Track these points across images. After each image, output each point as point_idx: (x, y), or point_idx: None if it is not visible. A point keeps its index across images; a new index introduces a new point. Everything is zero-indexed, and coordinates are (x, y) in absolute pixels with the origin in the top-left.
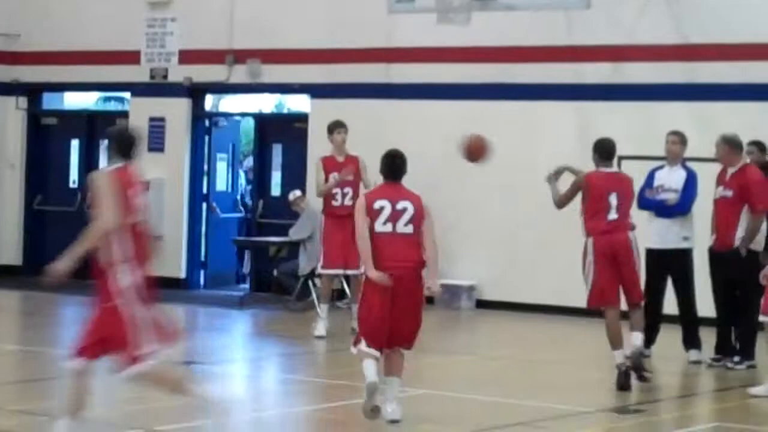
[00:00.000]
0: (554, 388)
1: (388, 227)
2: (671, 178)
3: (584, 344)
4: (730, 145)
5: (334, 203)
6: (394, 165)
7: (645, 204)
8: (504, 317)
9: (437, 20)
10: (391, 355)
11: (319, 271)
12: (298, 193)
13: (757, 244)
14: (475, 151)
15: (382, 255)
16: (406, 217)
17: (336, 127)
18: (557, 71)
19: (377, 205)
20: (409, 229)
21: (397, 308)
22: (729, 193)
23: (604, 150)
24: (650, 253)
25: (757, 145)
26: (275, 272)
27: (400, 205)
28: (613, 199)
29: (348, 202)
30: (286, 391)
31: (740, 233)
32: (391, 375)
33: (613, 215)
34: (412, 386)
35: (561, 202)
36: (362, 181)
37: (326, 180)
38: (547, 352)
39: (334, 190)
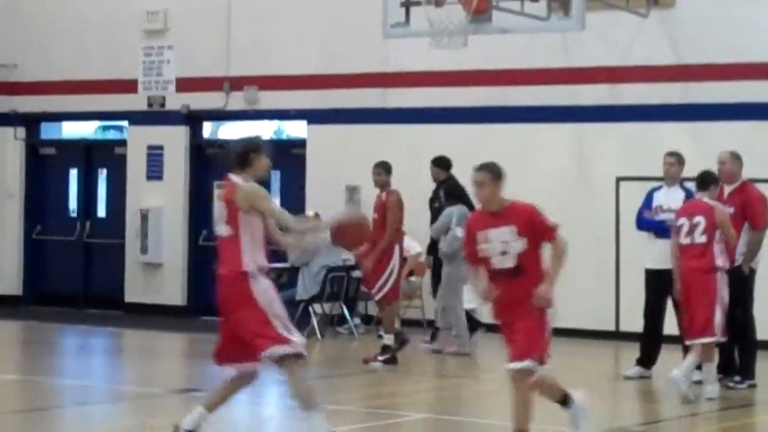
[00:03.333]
0: (557, 411)
1: (688, 240)
2: (670, 199)
3: (586, 366)
4: (738, 160)
5: None
6: (697, 179)
7: (644, 225)
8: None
9: (430, 45)
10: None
11: None
12: (311, 213)
13: (756, 263)
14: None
15: (680, 262)
16: (700, 228)
17: None
18: (553, 93)
19: (679, 222)
20: (703, 239)
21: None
22: (730, 210)
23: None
24: (650, 273)
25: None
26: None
27: (695, 219)
28: None
29: None
30: (290, 416)
31: (740, 250)
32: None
33: None
34: (415, 411)
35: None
36: None
37: None
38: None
39: None
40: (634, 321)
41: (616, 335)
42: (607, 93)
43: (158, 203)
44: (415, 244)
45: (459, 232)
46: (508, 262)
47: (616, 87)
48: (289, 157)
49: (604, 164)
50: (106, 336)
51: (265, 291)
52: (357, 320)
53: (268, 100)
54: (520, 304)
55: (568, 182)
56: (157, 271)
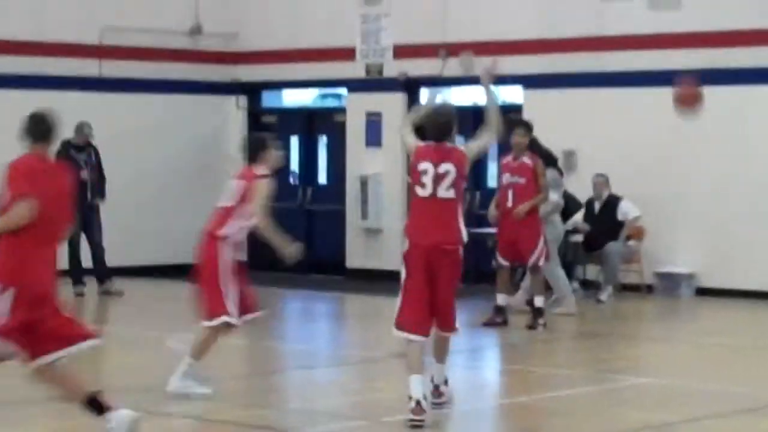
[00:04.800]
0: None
1: None
2: None
3: None
4: None
5: None
6: None
7: None
8: (724, 304)
9: (648, 6)
10: None
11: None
12: None
13: None
14: (686, 99)
15: None
16: None
17: None
18: None
19: None
20: None
21: None
22: None
23: None
24: None
25: (524, 126)
26: (493, 264)
27: None
28: None
29: None
30: (506, 381)
31: None
32: None
33: None
34: (634, 375)
35: None
36: None
37: None
38: (758, 339)
39: None
40: None
41: None
42: None
43: (377, 169)
44: (634, 208)
45: (554, 195)
46: None
47: None
48: (504, 122)
49: None
50: (329, 301)
51: None
52: (575, 284)
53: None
54: None
55: None
56: (378, 236)
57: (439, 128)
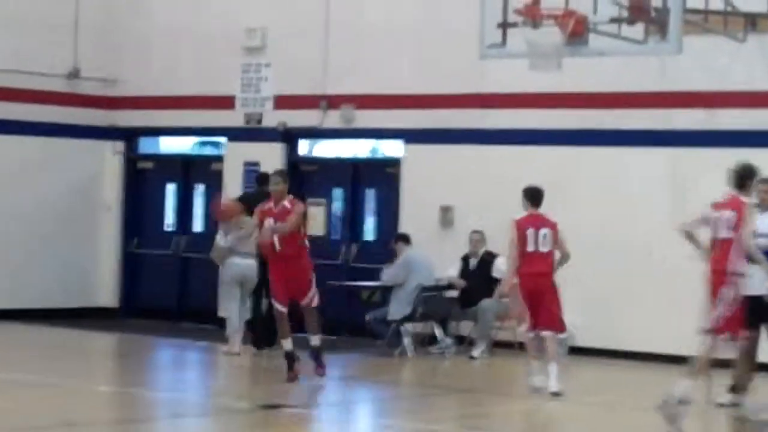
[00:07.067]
0: None
1: None
2: (764, 224)
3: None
4: None
5: None
6: None
7: None
8: (597, 363)
9: (529, 66)
10: None
11: None
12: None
13: None
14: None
15: None
16: None
17: None
18: (648, 117)
19: None
20: None
21: None
22: None
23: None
24: (747, 299)
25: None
26: (366, 317)
27: None
28: None
29: None
30: None
31: None
32: None
33: None
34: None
35: None
36: None
37: None
38: (632, 397)
39: None
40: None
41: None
42: (704, 118)
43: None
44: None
45: (223, 240)
46: None
47: (713, 112)
48: (384, 176)
49: (699, 190)
50: (199, 350)
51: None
52: (449, 340)
53: (364, 118)
54: None
55: (661, 208)
56: None
57: (738, 177)
